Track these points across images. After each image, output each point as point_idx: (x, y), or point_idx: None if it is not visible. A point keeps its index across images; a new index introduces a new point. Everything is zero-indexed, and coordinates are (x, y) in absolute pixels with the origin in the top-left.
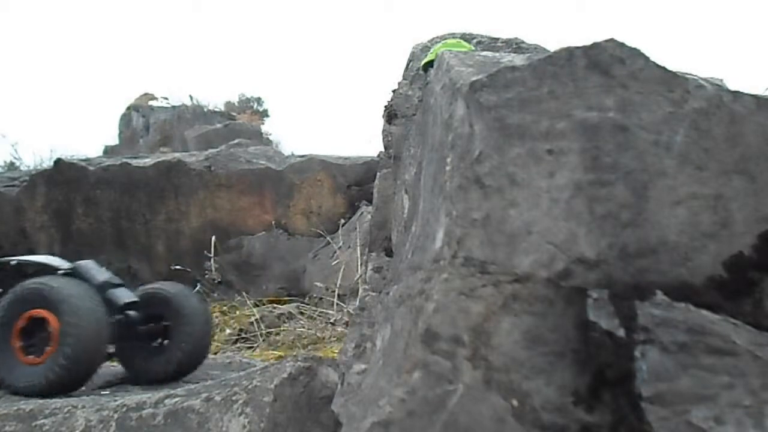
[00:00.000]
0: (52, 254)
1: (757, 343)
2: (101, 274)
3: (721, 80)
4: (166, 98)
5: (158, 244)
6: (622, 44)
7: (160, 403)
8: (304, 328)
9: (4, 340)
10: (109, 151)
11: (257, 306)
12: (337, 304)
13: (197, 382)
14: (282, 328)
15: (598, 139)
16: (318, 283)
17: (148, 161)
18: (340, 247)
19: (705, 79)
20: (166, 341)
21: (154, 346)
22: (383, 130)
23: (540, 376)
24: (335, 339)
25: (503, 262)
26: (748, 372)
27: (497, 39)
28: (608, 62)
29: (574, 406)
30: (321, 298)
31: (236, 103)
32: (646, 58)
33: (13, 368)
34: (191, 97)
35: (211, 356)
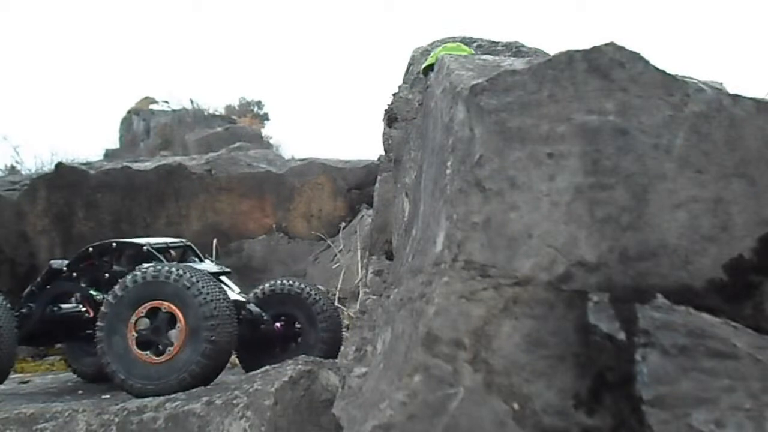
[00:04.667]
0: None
1: (758, 346)
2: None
3: (721, 84)
4: (167, 102)
5: None
6: (621, 48)
7: (161, 407)
8: None
9: (121, 333)
10: (109, 154)
11: None
12: (338, 307)
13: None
14: None
15: (599, 143)
16: (319, 287)
17: (148, 165)
18: (340, 251)
19: (705, 83)
20: (293, 344)
21: (279, 350)
22: (383, 134)
23: (541, 380)
24: None
25: (504, 266)
26: (748, 375)
27: (497, 43)
28: (608, 66)
29: (574, 410)
30: None
31: (237, 107)
32: (646, 62)
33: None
34: (192, 101)
35: None
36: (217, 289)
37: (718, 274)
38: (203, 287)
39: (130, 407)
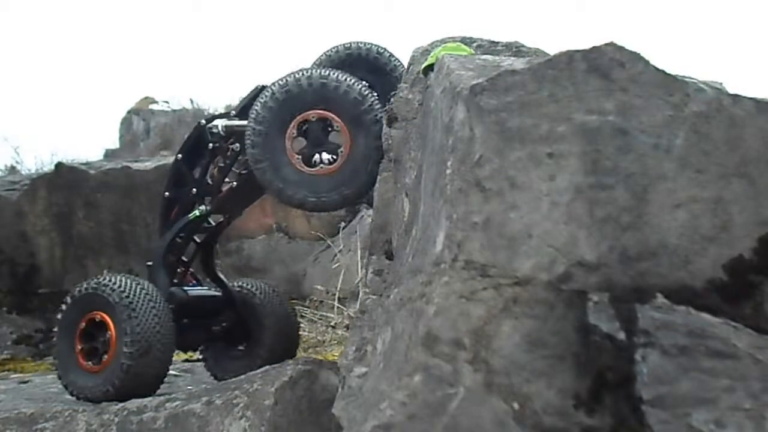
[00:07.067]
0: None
1: (758, 346)
2: None
3: (721, 84)
4: (167, 102)
5: None
6: (621, 48)
7: (161, 407)
8: (304, 331)
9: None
10: (109, 154)
11: None
12: (338, 307)
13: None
14: None
15: (599, 143)
16: (318, 287)
17: (148, 165)
18: (340, 251)
19: (705, 83)
20: None
21: None
22: (383, 134)
23: (541, 380)
24: (336, 342)
25: (504, 266)
26: (748, 375)
27: (497, 42)
28: (608, 66)
29: (574, 410)
30: (321, 302)
31: None
32: (646, 62)
33: None
34: (192, 101)
35: None
36: None
37: (718, 274)
38: None
39: (130, 407)
